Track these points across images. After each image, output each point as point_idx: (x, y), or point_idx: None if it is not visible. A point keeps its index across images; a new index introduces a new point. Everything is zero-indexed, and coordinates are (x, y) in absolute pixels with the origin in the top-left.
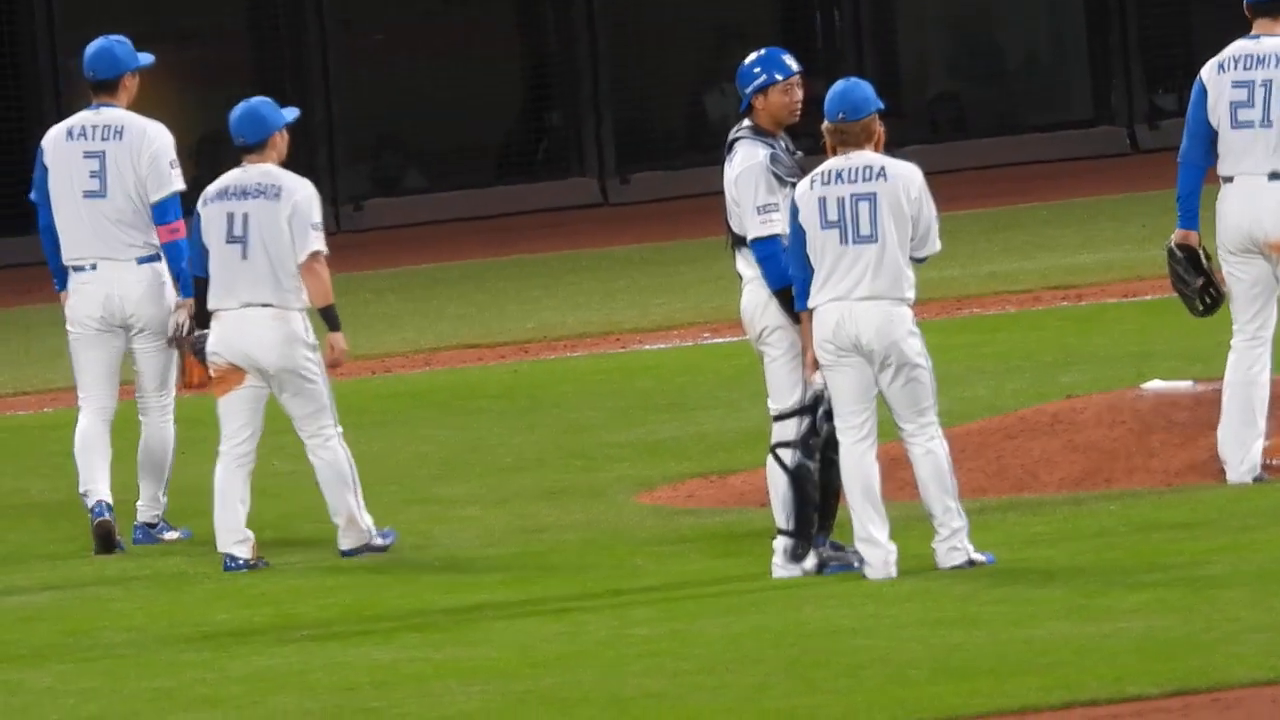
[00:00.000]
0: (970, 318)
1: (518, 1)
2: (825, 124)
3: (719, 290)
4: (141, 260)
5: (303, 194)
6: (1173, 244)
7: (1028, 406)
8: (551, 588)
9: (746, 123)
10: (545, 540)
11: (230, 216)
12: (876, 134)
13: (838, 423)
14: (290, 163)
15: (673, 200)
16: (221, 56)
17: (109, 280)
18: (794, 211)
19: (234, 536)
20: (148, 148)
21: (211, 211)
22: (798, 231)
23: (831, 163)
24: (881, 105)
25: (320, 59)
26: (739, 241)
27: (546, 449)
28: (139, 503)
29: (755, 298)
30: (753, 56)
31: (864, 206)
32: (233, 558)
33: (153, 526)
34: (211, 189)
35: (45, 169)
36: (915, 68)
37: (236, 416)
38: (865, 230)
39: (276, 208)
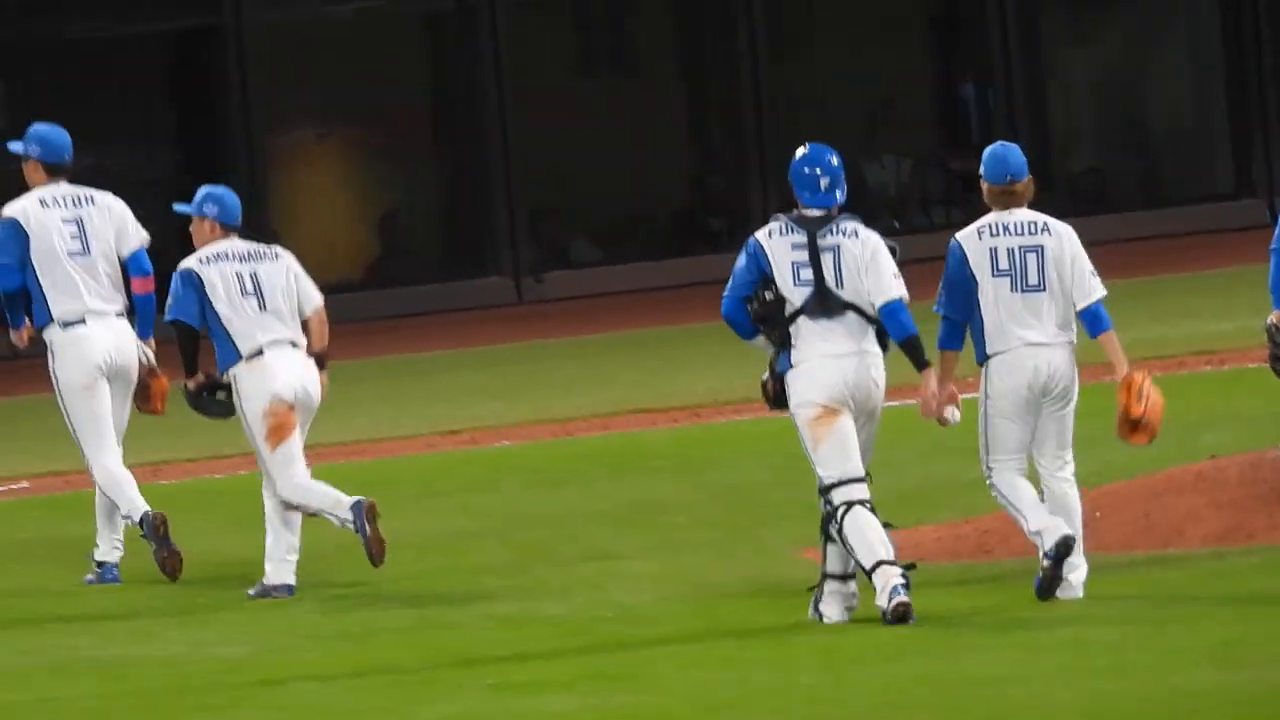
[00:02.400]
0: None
1: (688, 78)
2: (992, 186)
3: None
4: (119, 315)
5: (290, 256)
6: (1271, 322)
7: (1173, 465)
8: (719, 638)
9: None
10: (713, 592)
11: (239, 275)
12: (1028, 194)
13: (1002, 463)
14: (473, 235)
15: None
16: (406, 136)
17: (104, 333)
18: (959, 257)
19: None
20: (115, 208)
21: (222, 270)
22: (965, 279)
23: (996, 217)
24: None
25: (501, 137)
26: (848, 307)
27: (714, 506)
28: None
29: (883, 370)
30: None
31: (1032, 258)
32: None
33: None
34: (207, 253)
35: (26, 236)
36: (1063, 142)
37: (300, 454)
38: (1034, 280)
39: (278, 267)
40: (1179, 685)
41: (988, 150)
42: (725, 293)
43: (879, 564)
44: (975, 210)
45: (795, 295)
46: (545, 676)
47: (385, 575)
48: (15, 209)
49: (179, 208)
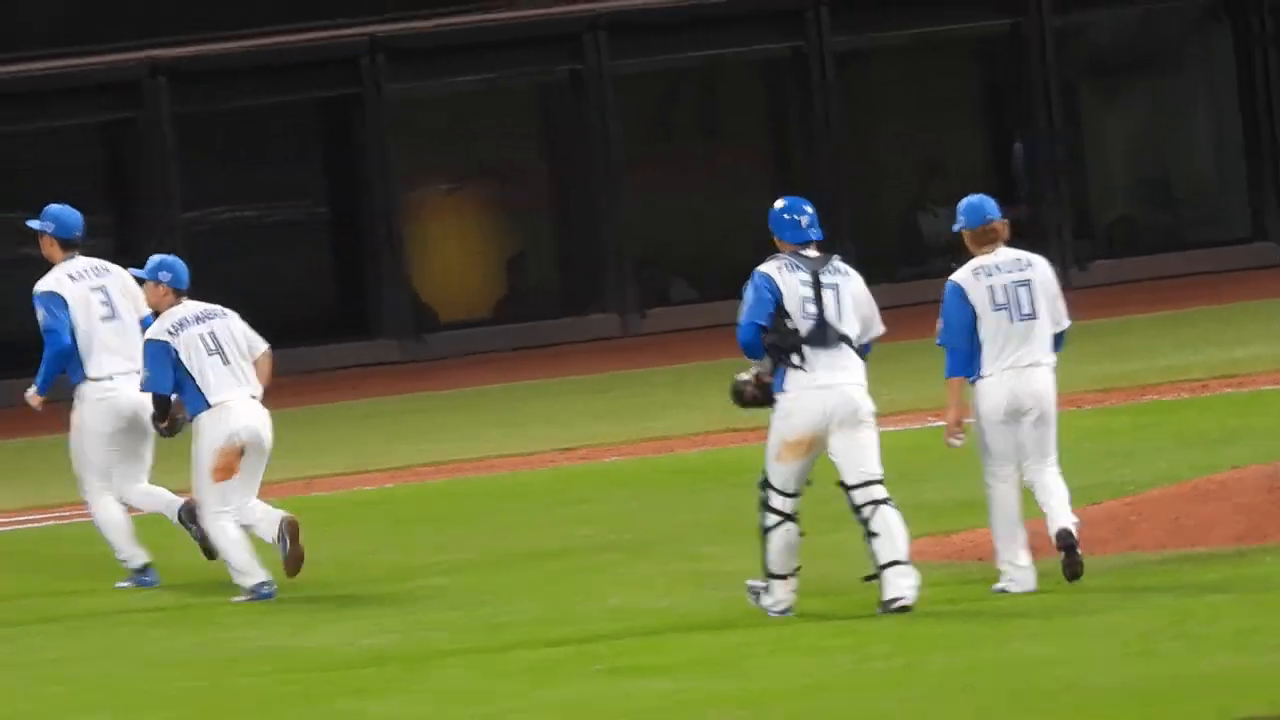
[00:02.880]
0: (1150, 403)
1: (773, 137)
2: (972, 230)
3: (934, 382)
4: (138, 373)
5: (234, 314)
6: None
7: (1200, 476)
8: (803, 628)
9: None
10: (802, 588)
11: (202, 337)
12: (1004, 235)
13: (1000, 470)
14: (586, 277)
15: (895, 308)
16: (527, 190)
17: (130, 390)
18: (960, 296)
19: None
20: (126, 277)
21: (189, 335)
22: (966, 313)
23: (986, 259)
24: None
25: (608, 192)
26: (842, 338)
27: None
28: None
29: (863, 384)
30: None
31: (1023, 291)
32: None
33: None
34: (171, 323)
35: (66, 304)
36: (1099, 194)
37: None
38: (1027, 309)
39: (228, 323)
40: (1204, 669)
41: (963, 202)
42: (741, 321)
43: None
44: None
45: (801, 325)
46: (651, 662)
47: (514, 576)
48: (50, 283)
49: (134, 272)
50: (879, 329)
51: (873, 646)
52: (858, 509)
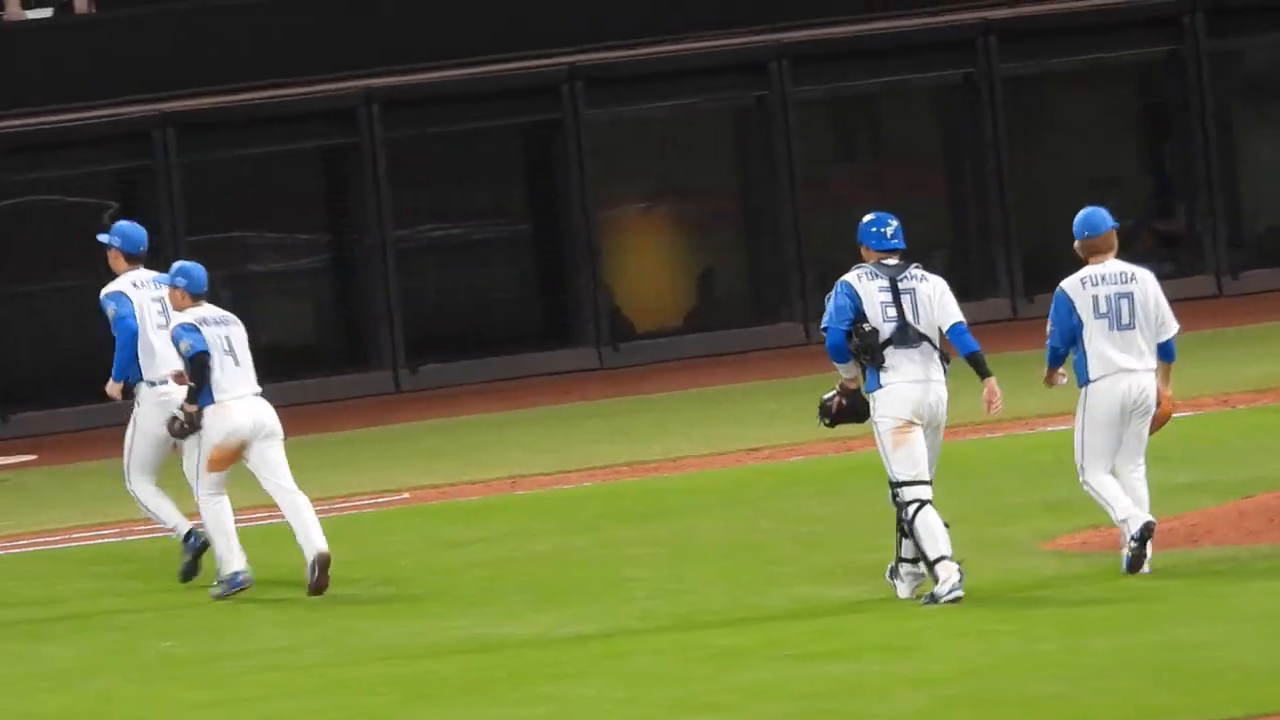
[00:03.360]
0: None
1: (944, 157)
2: (1084, 239)
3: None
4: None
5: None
6: None
7: None
8: (975, 614)
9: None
10: (968, 577)
11: (221, 337)
12: (1114, 246)
13: (1101, 464)
14: (770, 289)
15: None
16: (719, 208)
17: (179, 394)
18: (1067, 303)
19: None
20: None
21: (210, 333)
22: (1072, 319)
23: (1094, 269)
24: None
25: (791, 210)
26: (922, 338)
27: (970, 508)
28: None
29: (946, 392)
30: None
31: (1125, 302)
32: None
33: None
34: (195, 318)
35: (131, 301)
36: (1251, 207)
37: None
38: (1126, 320)
39: (240, 330)
40: None
41: (1079, 214)
42: (826, 326)
43: (942, 558)
44: (1179, 264)
45: (883, 330)
46: (832, 648)
47: (704, 568)
48: (115, 286)
49: (159, 278)
50: (952, 319)
51: (1038, 630)
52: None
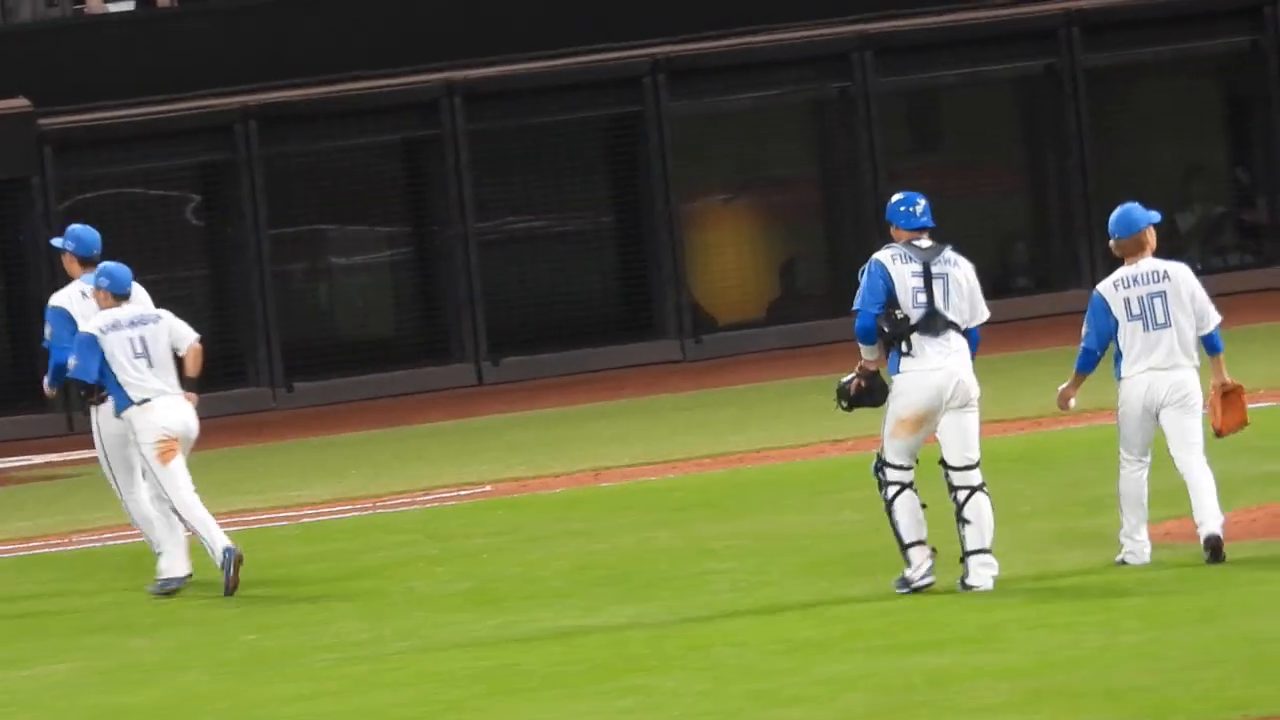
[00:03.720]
0: None
1: (1027, 148)
2: (1122, 238)
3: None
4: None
5: (169, 314)
6: None
7: None
8: (1057, 606)
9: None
10: (1052, 569)
11: (131, 340)
12: (1151, 243)
13: (1129, 456)
14: (851, 280)
15: None
16: (800, 199)
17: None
18: (1103, 306)
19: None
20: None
21: (118, 337)
22: (1108, 322)
23: (1128, 270)
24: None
25: (873, 203)
26: (950, 325)
27: (1054, 499)
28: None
29: (970, 367)
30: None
31: (1158, 301)
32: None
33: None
34: (104, 322)
35: (73, 321)
36: None
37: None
38: (1161, 319)
39: (160, 328)
40: None
41: (1115, 212)
42: (858, 307)
43: (918, 543)
44: (1263, 255)
45: (912, 314)
46: (916, 639)
47: (787, 559)
48: (59, 305)
49: (84, 278)
50: (984, 315)
51: (1123, 622)
52: (954, 490)
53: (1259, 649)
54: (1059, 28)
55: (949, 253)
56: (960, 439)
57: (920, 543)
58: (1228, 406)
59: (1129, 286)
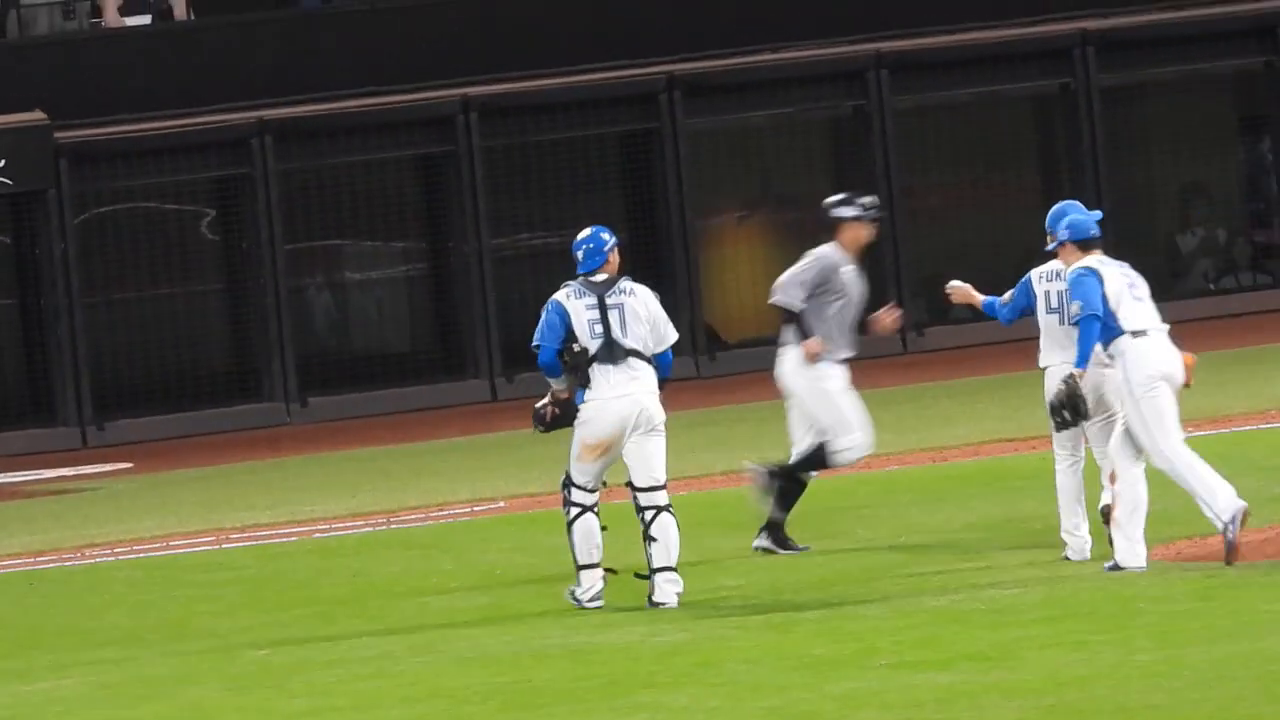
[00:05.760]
0: None
1: (1042, 169)
2: (1074, 241)
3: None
4: None
5: None
6: None
7: None
8: (1071, 623)
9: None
10: (1065, 586)
11: None
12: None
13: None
14: (871, 297)
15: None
16: (812, 216)
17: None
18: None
19: None
20: None
21: None
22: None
23: (1050, 265)
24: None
25: (891, 219)
26: (629, 353)
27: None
28: None
29: (656, 393)
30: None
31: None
32: None
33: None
34: None
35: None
36: None
37: None
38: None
39: None
40: None
41: (1067, 216)
42: (538, 343)
43: (590, 565)
44: (1276, 275)
45: (590, 346)
46: (930, 657)
47: (801, 576)
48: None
49: None
50: (671, 338)
51: (1136, 641)
52: (641, 510)
53: (1271, 668)
54: (1074, 47)
55: (624, 283)
56: (645, 463)
57: (593, 566)
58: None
59: (1051, 280)
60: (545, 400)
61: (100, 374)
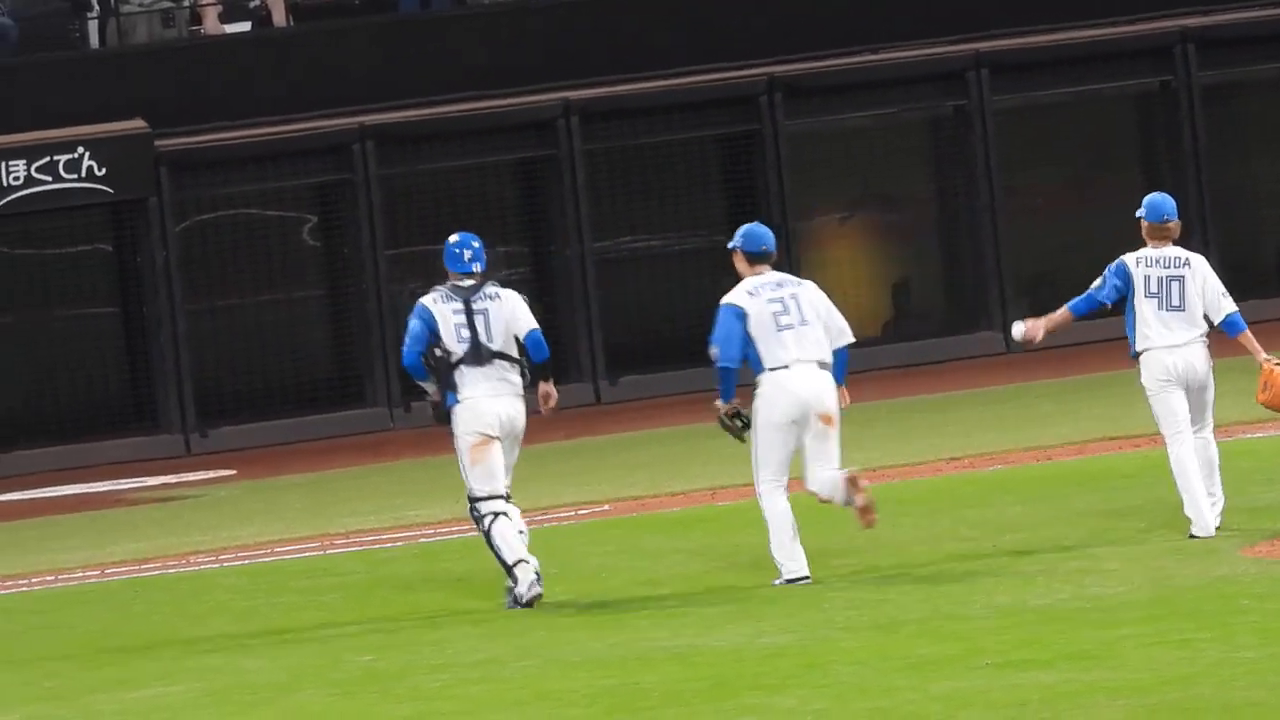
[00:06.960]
0: None
1: (1142, 165)
2: (1150, 222)
3: None
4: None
5: None
6: None
7: None
8: (1174, 622)
9: None
10: (1169, 584)
11: None
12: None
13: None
14: (969, 299)
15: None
16: (915, 217)
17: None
18: (1124, 271)
19: None
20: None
21: None
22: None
23: (1151, 251)
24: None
25: (991, 220)
26: (496, 355)
27: (1171, 516)
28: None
29: (523, 403)
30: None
31: (1175, 285)
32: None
33: None
34: None
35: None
36: None
37: None
38: (1176, 301)
39: None
40: None
41: (1148, 197)
42: (404, 348)
43: (519, 561)
44: None
45: (457, 349)
46: (1034, 656)
47: (906, 577)
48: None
49: None
50: (528, 328)
51: (1240, 637)
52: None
53: None
54: (1174, 45)
55: (490, 288)
56: (506, 463)
57: (522, 561)
58: (1273, 383)
59: (1151, 265)
60: (434, 397)
61: (203, 381)
